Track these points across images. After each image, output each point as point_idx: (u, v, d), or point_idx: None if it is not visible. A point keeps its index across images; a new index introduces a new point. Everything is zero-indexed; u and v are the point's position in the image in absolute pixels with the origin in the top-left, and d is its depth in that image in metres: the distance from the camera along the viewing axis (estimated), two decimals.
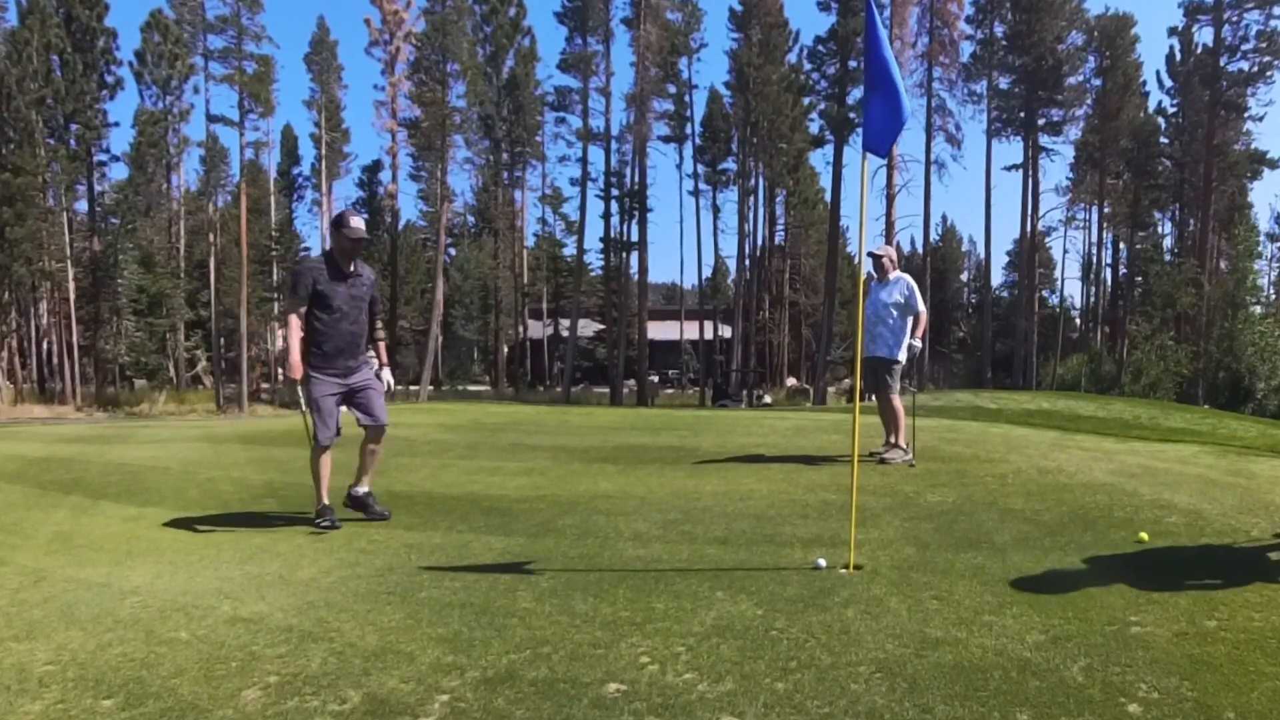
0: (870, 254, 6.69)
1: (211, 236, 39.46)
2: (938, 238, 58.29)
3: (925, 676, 2.31)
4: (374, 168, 41.86)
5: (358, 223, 4.78)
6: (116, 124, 46.65)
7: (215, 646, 2.74)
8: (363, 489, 4.94)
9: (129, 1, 71.90)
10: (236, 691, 2.37)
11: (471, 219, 51.54)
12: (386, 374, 5.12)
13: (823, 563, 3.46)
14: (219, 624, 2.97)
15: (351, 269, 4.79)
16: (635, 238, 39.75)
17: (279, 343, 48.04)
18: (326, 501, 4.74)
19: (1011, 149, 66.67)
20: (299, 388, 4.77)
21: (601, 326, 47.30)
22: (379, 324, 5.06)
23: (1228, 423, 10.29)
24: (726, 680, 2.34)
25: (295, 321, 4.69)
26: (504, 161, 43.67)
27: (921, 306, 6.55)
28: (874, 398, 6.93)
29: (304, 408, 4.75)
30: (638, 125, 38.28)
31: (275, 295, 43.37)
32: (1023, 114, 38.41)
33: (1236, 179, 39.64)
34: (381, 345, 5.13)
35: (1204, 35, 38.20)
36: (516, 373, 46.14)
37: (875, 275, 6.72)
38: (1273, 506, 4.40)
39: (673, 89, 40.37)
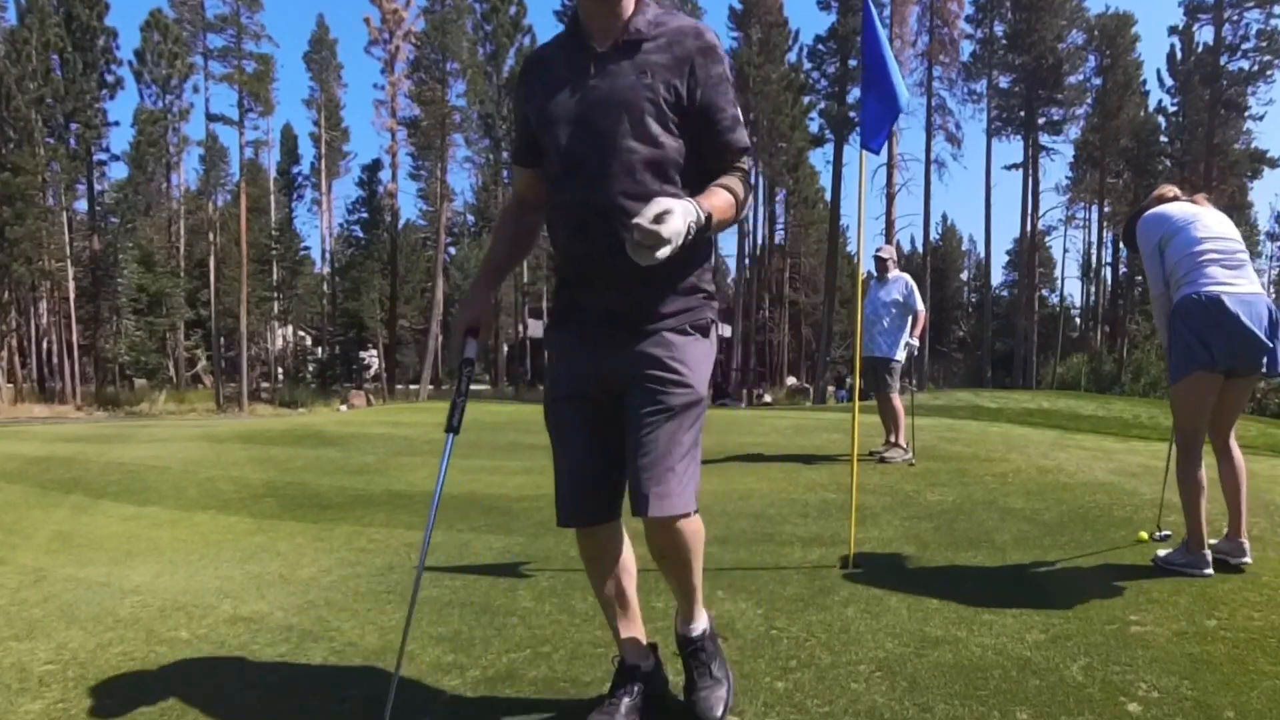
0: (876, 256, 6.72)
1: (211, 236, 39.51)
2: (938, 237, 58.34)
3: (925, 675, 2.31)
4: (374, 167, 41.89)
5: None
6: (116, 123, 46.64)
7: (215, 646, 2.74)
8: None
9: (129, 1, 71.85)
10: (236, 691, 2.37)
11: (471, 218, 51.53)
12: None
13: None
14: (219, 623, 2.97)
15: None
16: None
17: (279, 342, 47.98)
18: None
19: (1011, 148, 66.64)
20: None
21: None
22: None
23: None
24: None
25: None
26: (504, 160, 43.64)
27: (920, 305, 6.56)
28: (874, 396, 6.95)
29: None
30: None
31: (275, 294, 43.37)
32: (1023, 113, 38.46)
33: (1237, 178, 39.61)
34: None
35: (1204, 34, 38.28)
36: (517, 372, 46.11)
37: (876, 274, 6.73)
38: (1272, 506, 4.40)
39: None
